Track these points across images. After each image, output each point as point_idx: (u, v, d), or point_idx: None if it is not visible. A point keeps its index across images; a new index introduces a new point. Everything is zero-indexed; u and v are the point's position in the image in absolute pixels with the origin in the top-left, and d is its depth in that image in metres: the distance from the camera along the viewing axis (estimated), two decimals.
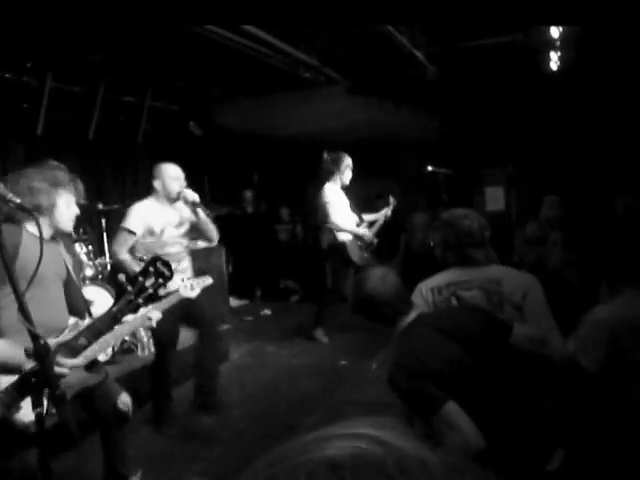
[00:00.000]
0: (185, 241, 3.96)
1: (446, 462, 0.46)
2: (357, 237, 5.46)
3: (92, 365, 2.39)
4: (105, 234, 5.54)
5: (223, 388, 4.59)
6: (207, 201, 8.16)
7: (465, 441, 1.70)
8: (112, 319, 1.56)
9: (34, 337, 1.27)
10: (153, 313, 2.53)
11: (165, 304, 2.67)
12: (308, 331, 5.73)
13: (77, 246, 4.70)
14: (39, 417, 1.25)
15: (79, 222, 5.49)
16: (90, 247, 4.88)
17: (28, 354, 1.31)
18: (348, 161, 5.41)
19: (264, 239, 8.12)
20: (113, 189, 6.78)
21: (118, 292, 1.65)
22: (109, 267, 5.16)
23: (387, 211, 5.73)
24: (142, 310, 2.35)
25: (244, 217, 8.12)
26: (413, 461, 0.45)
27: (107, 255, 5.41)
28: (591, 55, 5.54)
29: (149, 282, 1.65)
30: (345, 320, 6.12)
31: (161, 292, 2.09)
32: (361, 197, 5.99)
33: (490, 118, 7.00)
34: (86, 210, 5.96)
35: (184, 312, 3.47)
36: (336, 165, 5.39)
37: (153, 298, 1.79)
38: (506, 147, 7.12)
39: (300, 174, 8.72)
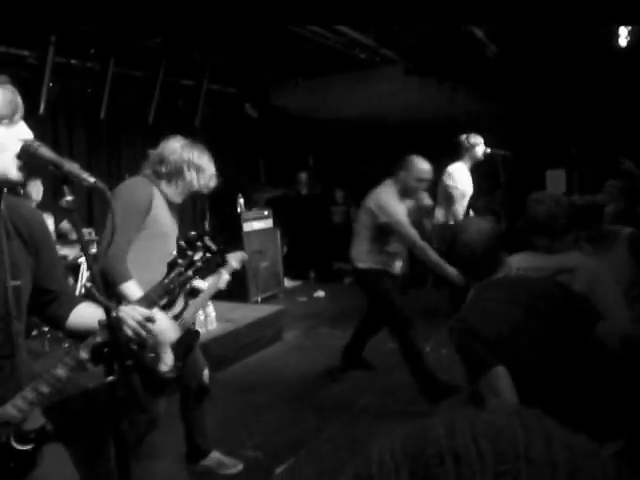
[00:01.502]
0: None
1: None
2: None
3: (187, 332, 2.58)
4: None
5: (276, 367, 4.69)
6: (262, 182, 8.28)
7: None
8: (164, 290, 1.66)
9: (106, 310, 1.34)
10: (224, 274, 2.78)
11: (231, 266, 2.88)
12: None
13: None
14: (111, 386, 1.33)
15: None
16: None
17: (101, 325, 1.38)
18: (478, 140, 5.21)
19: (318, 221, 8.16)
20: None
21: (170, 264, 1.75)
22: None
23: None
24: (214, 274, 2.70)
25: (299, 199, 8.18)
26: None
27: None
28: None
29: (197, 256, 1.74)
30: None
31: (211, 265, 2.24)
32: None
33: (552, 98, 6.75)
34: None
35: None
36: (468, 143, 5.17)
37: (202, 270, 1.91)
38: (569, 128, 6.86)
39: (355, 156, 8.69)
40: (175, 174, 2.56)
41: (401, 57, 6.22)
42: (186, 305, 2.58)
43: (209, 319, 4.84)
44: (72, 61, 5.51)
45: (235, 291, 6.58)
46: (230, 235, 6.59)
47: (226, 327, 4.95)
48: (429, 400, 3.79)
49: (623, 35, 5.30)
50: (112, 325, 1.33)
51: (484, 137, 5.25)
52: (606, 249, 2.91)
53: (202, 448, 3.01)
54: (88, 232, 4.95)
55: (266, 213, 7.02)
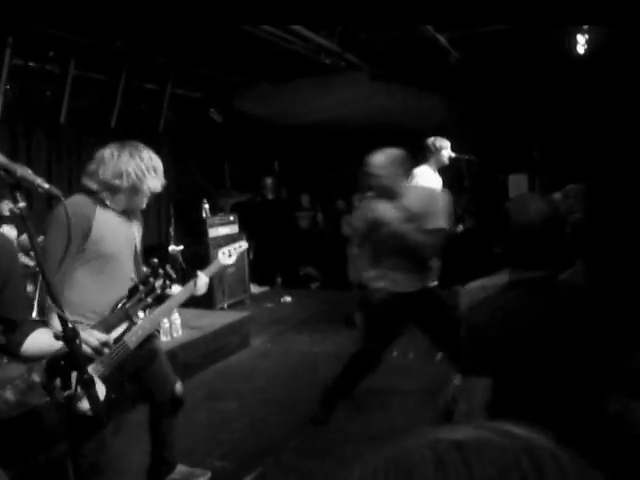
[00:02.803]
0: None
1: (576, 458, 0.44)
2: None
3: (144, 344, 2.48)
4: None
5: (244, 374, 4.63)
6: (228, 188, 8.21)
7: (468, 415, 1.67)
8: (124, 315, 1.63)
9: (63, 321, 1.29)
10: (201, 280, 2.72)
11: (211, 271, 2.86)
12: (331, 317, 5.78)
13: None
14: (68, 400, 1.27)
15: None
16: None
17: (57, 337, 1.32)
18: (445, 143, 5.24)
19: (285, 226, 8.13)
20: None
21: (131, 289, 1.73)
22: None
23: (458, 228, 5.69)
24: (185, 285, 2.68)
25: (265, 204, 8.14)
26: (542, 450, 0.44)
27: None
28: (620, 38, 5.40)
29: (158, 283, 1.74)
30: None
31: (168, 292, 2.27)
32: None
33: (514, 103, 6.88)
34: None
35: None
36: (434, 146, 5.18)
37: (161, 298, 1.90)
38: (531, 133, 7.00)
39: (321, 161, 8.69)
40: (138, 184, 2.36)
41: (366, 63, 6.25)
42: (129, 327, 2.34)
43: (174, 327, 4.76)
44: (30, 63, 5.36)
45: (201, 298, 6.52)
46: (195, 241, 6.50)
47: (192, 334, 4.87)
48: (321, 410, 3.67)
49: (581, 43, 5.44)
50: (68, 337, 1.28)
51: (449, 142, 5.32)
52: None
53: (169, 461, 2.93)
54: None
55: (232, 218, 6.96)
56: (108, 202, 2.36)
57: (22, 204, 1.23)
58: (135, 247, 2.56)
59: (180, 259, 5.89)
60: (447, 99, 6.95)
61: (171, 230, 6.97)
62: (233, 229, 6.87)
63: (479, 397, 1.67)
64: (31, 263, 4.57)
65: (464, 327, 1.77)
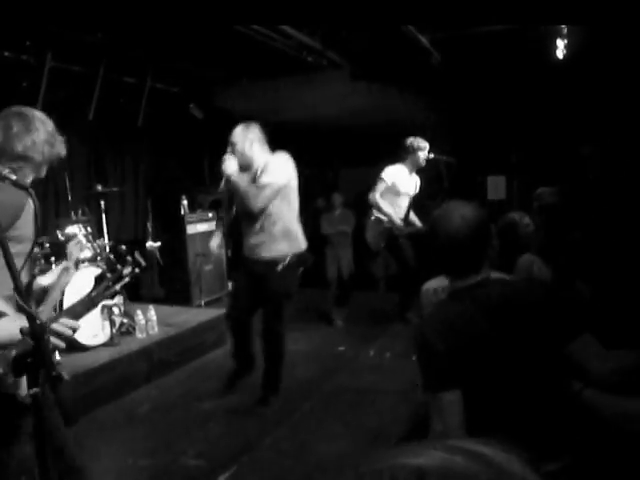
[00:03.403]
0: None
1: None
2: (379, 221, 5.43)
3: None
4: (104, 215, 5.51)
5: (220, 372, 4.60)
6: (207, 184, 8.15)
7: (444, 435, 1.60)
8: (92, 302, 1.60)
9: (30, 317, 1.26)
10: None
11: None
12: (308, 315, 5.80)
13: (76, 227, 4.68)
14: (35, 397, 1.24)
15: (78, 203, 5.53)
16: (89, 229, 4.85)
17: (24, 333, 1.29)
18: (422, 144, 5.41)
19: None
20: (113, 171, 6.75)
21: (97, 277, 1.66)
22: (107, 249, 5.14)
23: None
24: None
25: None
26: (511, 478, 0.42)
27: (106, 237, 5.39)
28: (599, 43, 5.48)
29: (126, 271, 1.70)
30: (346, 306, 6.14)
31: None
32: (363, 183, 5.97)
33: (494, 106, 6.94)
34: (85, 191, 5.96)
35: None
36: (410, 147, 5.38)
37: (127, 285, 1.84)
38: (509, 135, 7.07)
39: (301, 159, 8.66)
40: (38, 159, 2.05)
41: (348, 61, 6.25)
42: None
43: (150, 323, 4.71)
44: (6, 53, 5.24)
45: (178, 295, 6.47)
46: (173, 237, 6.44)
47: (168, 331, 4.83)
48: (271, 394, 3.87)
49: (560, 47, 5.51)
50: (36, 333, 1.25)
51: (428, 143, 5.36)
52: None
53: None
54: None
55: (210, 215, 6.91)
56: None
57: None
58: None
59: (157, 255, 5.84)
60: (427, 100, 6.99)
61: (149, 226, 6.90)
62: (211, 226, 6.82)
63: (455, 411, 1.63)
64: None
65: (420, 346, 1.73)
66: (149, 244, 5.79)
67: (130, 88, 6.61)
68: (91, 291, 1.61)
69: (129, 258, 1.66)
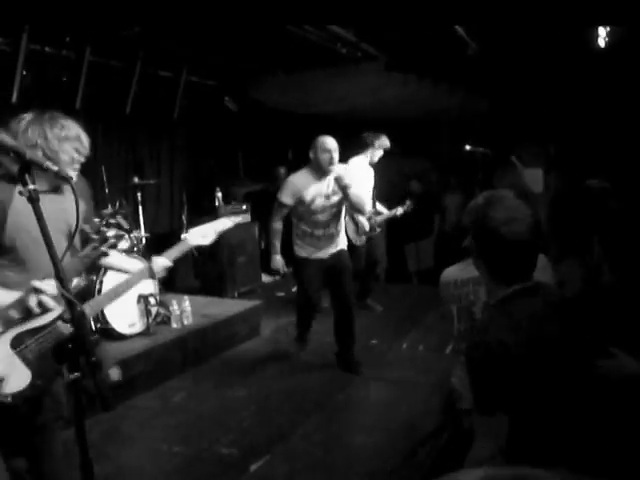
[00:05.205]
0: (336, 209, 4.24)
1: None
2: (353, 219, 5.53)
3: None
4: (141, 208, 5.61)
5: (253, 363, 4.65)
6: (241, 176, 8.21)
7: (482, 459, 1.54)
8: (83, 264, 1.61)
9: (71, 304, 1.29)
10: (157, 264, 2.42)
11: (174, 254, 2.55)
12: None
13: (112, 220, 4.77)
14: (76, 382, 1.28)
15: (115, 196, 5.64)
16: (126, 220, 4.95)
17: (65, 320, 1.33)
18: (384, 142, 5.57)
19: None
20: (149, 164, 6.86)
21: (84, 240, 1.67)
22: (144, 240, 5.23)
23: (397, 210, 5.83)
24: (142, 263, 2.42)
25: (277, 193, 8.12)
26: None
27: (142, 229, 5.49)
28: None
29: (111, 233, 1.74)
30: (379, 299, 6.12)
31: (121, 244, 2.22)
32: (396, 174, 5.94)
33: (532, 96, 6.79)
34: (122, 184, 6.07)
35: None
36: (372, 141, 5.54)
37: (114, 246, 1.85)
38: (548, 127, 6.91)
39: None
40: (53, 158, 2.04)
41: (382, 53, 6.20)
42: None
43: (185, 314, 4.78)
44: (47, 49, 5.37)
45: (212, 286, 6.55)
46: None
47: (202, 322, 4.89)
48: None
49: (602, 36, 5.35)
50: (77, 320, 1.29)
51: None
52: None
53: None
54: None
55: (244, 207, 6.96)
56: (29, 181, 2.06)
57: (32, 186, 1.23)
58: (70, 226, 2.17)
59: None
60: (463, 91, 6.88)
61: (184, 218, 7.00)
62: (245, 218, 6.87)
63: (503, 435, 1.54)
64: None
65: (478, 359, 1.58)
66: (184, 236, 5.86)
67: (166, 82, 6.70)
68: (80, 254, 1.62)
69: (112, 221, 1.70)
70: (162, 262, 2.43)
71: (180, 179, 7.29)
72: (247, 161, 8.44)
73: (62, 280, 1.27)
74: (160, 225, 6.86)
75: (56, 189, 2.12)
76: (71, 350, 1.30)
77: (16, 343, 1.86)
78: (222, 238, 6.54)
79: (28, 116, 2.15)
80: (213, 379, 4.35)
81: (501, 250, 1.63)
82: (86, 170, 2.33)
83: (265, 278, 7.36)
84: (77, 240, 2.16)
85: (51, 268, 1.47)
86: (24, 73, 5.11)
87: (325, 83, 6.78)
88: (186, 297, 4.95)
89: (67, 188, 2.10)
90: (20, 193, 1.22)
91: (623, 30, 5.30)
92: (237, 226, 6.73)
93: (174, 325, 4.71)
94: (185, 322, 4.77)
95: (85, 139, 2.17)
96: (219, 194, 6.71)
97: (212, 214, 6.59)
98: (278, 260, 4.36)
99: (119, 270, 2.47)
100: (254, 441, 3.36)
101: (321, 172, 4.09)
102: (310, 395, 3.95)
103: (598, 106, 6.48)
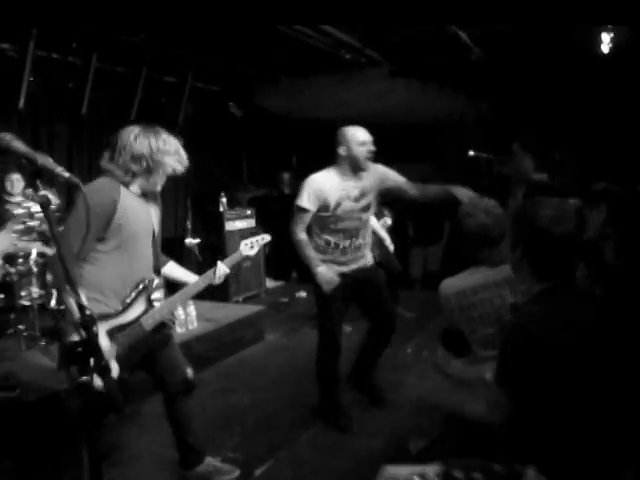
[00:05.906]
0: (365, 215, 3.56)
1: None
2: None
3: (160, 329, 2.59)
4: None
5: (257, 367, 4.65)
6: (245, 182, 8.24)
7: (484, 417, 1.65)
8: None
9: (80, 308, 1.30)
10: (220, 270, 2.77)
11: (231, 261, 2.88)
12: (347, 312, 5.84)
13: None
14: (85, 386, 1.30)
15: None
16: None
17: (75, 325, 1.34)
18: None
19: None
20: None
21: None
22: None
23: (386, 221, 5.65)
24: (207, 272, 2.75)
25: (282, 198, 8.14)
26: None
27: None
28: None
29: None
30: None
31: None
32: None
33: (536, 102, 6.80)
34: None
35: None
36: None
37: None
38: (552, 133, 6.92)
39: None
40: (154, 168, 2.42)
41: (386, 58, 6.22)
42: (146, 310, 2.55)
43: (190, 318, 4.80)
44: (53, 55, 5.42)
45: (216, 291, 6.55)
46: (212, 234, 6.54)
47: (207, 327, 4.90)
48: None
49: (606, 42, 5.36)
50: (87, 323, 1.30)
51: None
52: None
53: (196, 449, 2.91)
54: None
55: (249, 212, 6.99)
56: (129, 185, 2.42)
57: (43, 192, 1.25)
58: (153, 230, 2.61)
59: (196, 252, 5.93)
60: (467, 97, 6.90)
61: (188, 223, 7.01)
62: (250, 223, 6.89)
63: (501, 407, 1.63)
64: (50, 252, 4.64)
65: (513, 337, 1.65)
66: (188, 241, 5.90)
67: (171, 87, 6.74)
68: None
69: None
70: (224, 269, 2.80)
71: (184, 184, 7.32)
72: (251, 166, 8.47)
73: (73, 284, 1.28)
74: (164, 230, 6.86)
75: (144, 195, 2.50)
76: (81, 353, 1.31)
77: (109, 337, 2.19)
78: (226, 243, 6.54)
79: (137, 128, 2.40)
80: (217, 383, 4.35)
81: (550, 248, 1.70)
82: (91, 175, 2.43)
83: (269, 283, 7.38)
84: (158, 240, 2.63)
85: (148, 260, 2.00)
86: (31, 79, 5.16)
87: (329, 89, 6.81)
88: (191, 301, 4.96)
89: (150, 196, 2.55)
90: (39, 198, 1.26)
91: (627, 36, 5.30)
92: (242, 231, 6.80)
93: (179, 329, 4.72)
94: (190, 327, 4.79)
95: (183, 153, 2.50)
96: (223, 199, 6.74)
97: (217, 219, 6.62)
98: (325, 271, 3.41)
99: None
100: (258, 446, 3.36)
101: (355, 169, 3.46)
102: (314, 400, 3.94)
103: (602, 112, 6.49)
